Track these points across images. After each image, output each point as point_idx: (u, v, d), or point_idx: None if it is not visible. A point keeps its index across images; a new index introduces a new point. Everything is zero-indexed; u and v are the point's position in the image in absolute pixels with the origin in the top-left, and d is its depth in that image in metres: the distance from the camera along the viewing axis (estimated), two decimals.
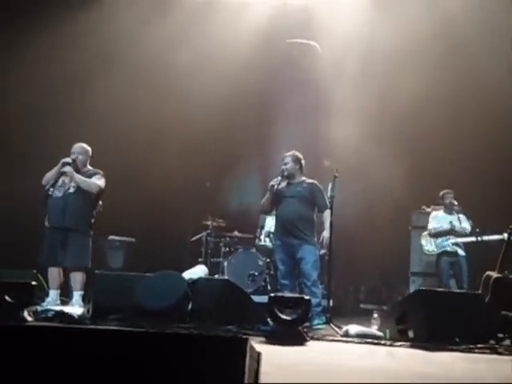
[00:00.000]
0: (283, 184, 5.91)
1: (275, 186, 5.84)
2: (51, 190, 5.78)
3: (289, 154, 6.01)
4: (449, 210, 7.10)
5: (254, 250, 7.62)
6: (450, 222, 6.99)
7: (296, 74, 8.28)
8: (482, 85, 7.23)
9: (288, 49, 8.27)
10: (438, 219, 7.12)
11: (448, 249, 6.94)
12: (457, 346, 4.16)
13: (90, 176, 5.92)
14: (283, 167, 5.94)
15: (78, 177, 5.83)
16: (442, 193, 7.14)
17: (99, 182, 5.93)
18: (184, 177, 8.27)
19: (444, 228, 7.01)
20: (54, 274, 5.74)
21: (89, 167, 6.03)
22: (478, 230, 6.80)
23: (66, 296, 6.11)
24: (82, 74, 7.78)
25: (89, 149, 6.08)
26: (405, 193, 7.67)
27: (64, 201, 5.78)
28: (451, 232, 6.96)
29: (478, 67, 7.25)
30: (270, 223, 7.24)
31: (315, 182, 6.01)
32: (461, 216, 7.01)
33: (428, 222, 7.23)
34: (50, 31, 7.50)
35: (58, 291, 5.75)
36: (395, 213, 7.88)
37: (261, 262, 7.39)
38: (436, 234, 7.06)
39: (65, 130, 7.15)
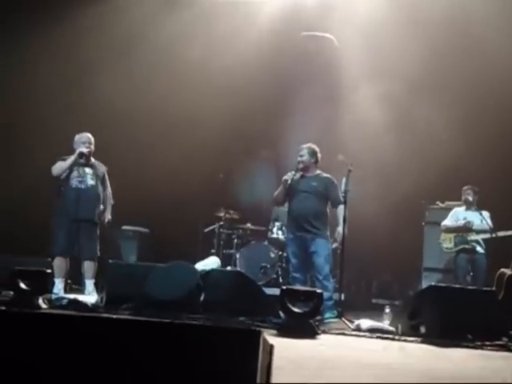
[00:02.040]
0: (297, 177, 5.89)
1: (288, 181, 5.82)
2: (69, 180, 5.84)
3: (305, 146, 5.98)
4: (468, 206, 7.00)
5: (266, 243, 7.63)
6: (465, 219, 6.91)
7: (311, 67, 8.23)
8: (506, 79, 7.13)
9: (304, 42, 8.22)
10: (456, 216, 7.05)
11: (466, 246, 6.86)
12: (469, 343, 4.15)
13: (99, 169, 6.05)
14: (299, 159, 5.91)
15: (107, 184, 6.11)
16: (463, 188, 7.03)
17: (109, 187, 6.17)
18: (197, 168, 8.27)
19: (458, 225, 6.94)
20: (62, 262, 5.80)
21: (92, 159, 6.08)
22: (493, 227, 6.69)
23: (75, 284, 6.20)
24: (90, 69, 7.81)
25: None
26: (419, 188, 7.62)
27: (84, 192, 5.85)
28: (467, 229, 6.88)
29: (501, 62, 7.16)
30: (283, 216, 7.24)
31: (330, 176, 5.99)
32: (483, 212, 6.79)
33: (441, 218, 7.18)
34: (58, 27, 7.54)
35: (63, 279, 5.81)
36: (409, 208, 7.84)
37: (273, 255, 7.40)
38: (448, 231, 7.00)
39: (77, 124, 7.17)
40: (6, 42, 7.65)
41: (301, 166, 5.90)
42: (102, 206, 6.05)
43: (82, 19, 7.70)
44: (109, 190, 6.18)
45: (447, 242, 7.06)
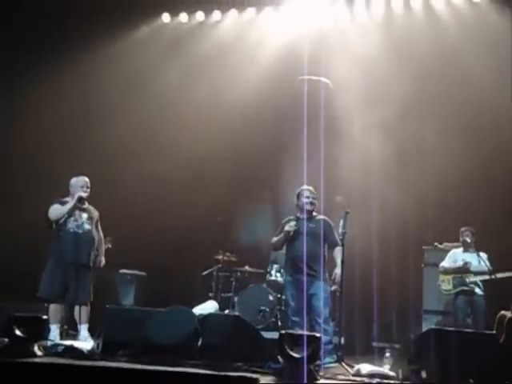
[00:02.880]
0: (297, 224, 5.86)
1: (291, 233, 5.81)
2: (66, 224, 5.84)
3: (308, 188, 6.01)
4: (466, 247, 7.02)
5: (264, 286, 7.57)
6: (463, 260, 6.91)
7: (307, 111, 8.36)
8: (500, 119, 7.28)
9: (300, 85, 8.37)
10: (454, 257, 7.05)
11: (465, 288, 6.84)
12: None
13: (93, 214, 6.11)
14: (308, 200, 5.92)
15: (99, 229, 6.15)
16: (461, 230, 7.06)
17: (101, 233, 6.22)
18: (195, 211, 8.29)
19: (456, 266, 6.93)
20: (57, 308, 5.78)
21: (86, 203, 6.11)
22: (491, 268, 6.68)
23: (71, 329, 6.13)
24: (97, 111, 7.96)
25: None
26: (417, 230, 7.63)
27: (82, 236, 5.88)
28: (465, 270, 6.87)
29: (495, 101, 7.33)
30: (282, 258, 7.21)
31: (326, 218, 6.01)
32: (480, 254, 6.79)
33: (440, 259, 7.14)
34: (66, 70, 7.72)
35: (59, 325, 5.76)
36: (407, 249, 7.83)
37: (272, 298, 7.33)
38: (446, 272, 6.99)
39: (77, 166, 7.24)
40: (12, 83, 7.79)
41: (310, 207, 5.92)
42: (95, 251, 6.05)
43: (90, 63, 7.91)
44: (101, 234, 6.22)
45: (446, 284, 7.02)
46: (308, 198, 5.93)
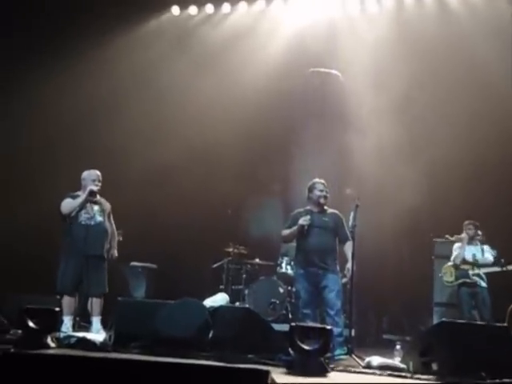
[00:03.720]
0: (310, 218, 5.84)
1: (305, 227, 5.79)
2: (78, 217, 5.88)
3: (321, 181, 5.98)
4: (471, 240, 7.02)
5: (275, 278, 7.58)
6: (471, 253, 6.93)
7: (318, 103, 8.34)
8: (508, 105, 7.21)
9: (310, 77, 8.35)
10: (458, 250, 7.06)
11: (467, 280, 6.87)
12: (482, 380, 4.07)
13: (105, 206, 6.12)
14: (321, 193, 5.89)
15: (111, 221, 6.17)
16: (464, 223, 7.07)
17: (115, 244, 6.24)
18: (205, 204, 8.31)
19: (465, 259, 6.94)
20: (71, 300, 5.82)
21: (98, 195, 6.14)
22: (503, 260, 6.69)
23: (84, 321, 6.18)
24: (109, 103, 7.97)
25: None
26: (428, 221, 7.60)
27: (94, 228, 5.90)
28: (472, 263, 6.89)
29: (503, 88, 7.26)
30: (292, 251, 7.21)
31: (337, 212, 5.99)
32: (484, 247, 6.92)
33: (451, 251, 7.16)
34: (78, 64, 7.75)
35: (72, 317, 5.80)
36: (418, 241, 7.80)
37: (282, 290, 7.34)
38: (457, 265, 6.99)
39: (88, 158, 7.28)
40: (26, 77, 7.83)
41: (323, 201, 5.89)
42: (108, 242, 6.09)
43: (102, 56, 7.94)
44: (114, 227, 6.24)
45: (448, 276, 7.06)
46: (322, 191, 5.91)
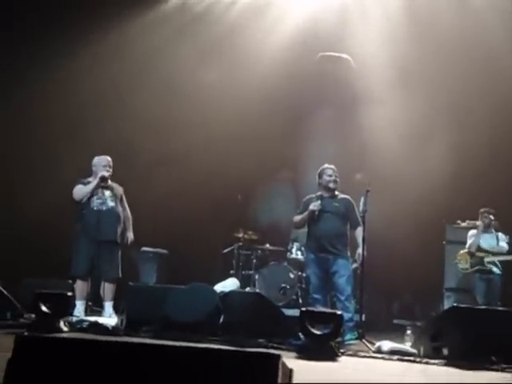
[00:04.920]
0: (320, 203, 5.83)
1: (316, 212, 5.78)
2: (90, 202, 5.91)
3: (330, 166, 5.96)
4: (487, 228, 7.03)
5: (285, 263, 7.60)
6: (486, 241, 6.95)
7: (328, 87, 8.28)
8: None
9: (321, 62, 8.27)
10: (473, 237, 7.06)
11: (482, 267, 6.92)
12: (493, 365, 4.07)
13: (117, 191, 6.13)
14: (331, 178, 5.88)
15: (125, 205, 6.19)
16: (480, 211, 7.06)
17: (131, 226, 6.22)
18: (216, 190, 8.32)
19: (480, 246, 6.96)
20: (83, 285, 5.86)
21: (109, 180, 6.14)
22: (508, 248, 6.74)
23: (96, 306, 6.24)
24: (114, 92, 7.94)
25: None
26: (439, 206, 7.56)
27: (106, 213, 5.92)
28: (487, 251, 6.92)
29: None
30: (302, 236, 7.21)
31: (348, 197, 5.98)
32: (499, 235, 6.96)
33: (462, 237, 7.19)
34: (79, 55, 7.72)
35: (85, 302, 5.85)
36: (429, 227, 7.76)
37: (292, 276, 7.36)
38: (472, 253, 7.00)
39: (98, 146, 7.29)
40: (22, 75, 7.82)
41: (334, 185, 5.88)
42: (122, 227, 6.11)
43: (104, 46, 7.88)
44: (128, 210, 6.24)
45: (463, 263, 7.10)
46: (331, 176, 5.89)
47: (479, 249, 6.97)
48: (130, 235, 6.17)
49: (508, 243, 6.91)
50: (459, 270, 7.19)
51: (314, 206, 5.79)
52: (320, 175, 5.99)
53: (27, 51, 7.83)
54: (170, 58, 8.13)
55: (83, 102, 8.02)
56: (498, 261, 6.88)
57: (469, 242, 7.07)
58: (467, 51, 7.46)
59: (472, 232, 7.12)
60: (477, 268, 6.95)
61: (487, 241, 6.97)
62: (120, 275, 5.99)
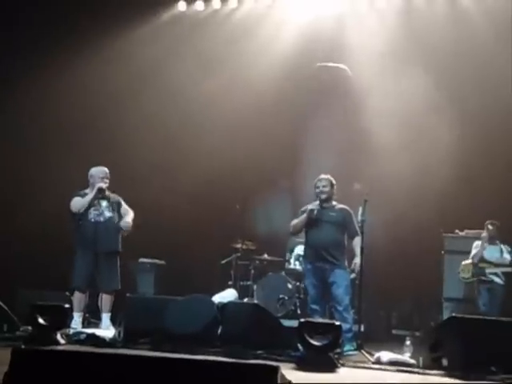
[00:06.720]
0: (318, 208, 5.87)
1: (314, 211, 5.81)
2: (87, 214, 5.89)
3: (325, 177, 5.97)
4: (491, 239, 7.07)
5: (283, 274, 7.57)
6: (491, 253, 7.01)
7: (326, 98, 8.31)
8: None
9: (318, 72, 8.31)
10: (480, 249, 7.10)
11: (483, 278, 6.97)
12: (493, 376, 4.05)
13: (114, 200, 6.08)
14: (322, 189, 5.90)
15: (125, 208, 6.10)
16: (486, 222, 7.10)
17: (130, 216, 6.07)
18: (214, 199, 8.32)
19: (483, 258, 7.00)
20: (81, 297, 5.84)
21: (106, 191, 6.11)
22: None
23: (93, 318, 6.20)
24: (111, 100, 7.96)
25: None
26: (438, 216, 7.56)
27: (104, 224, 5.91)
28: (490, 262, 6.98)
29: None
30: (300, 246, 7.20)
31: (347, 207, 5.98)
32: (504, 247, 7.03)
33: (461, 247, 7.24)
34: (83, 60, 7.74)
35: (82, 314, 5.83)
36: (427, 236, 7.76)
37: (290, 286, 7.33)
38: (475, 263, 7.04)
39: (94, 154, 7.28)
40: (27, 78, 7.83)
41: (324, 196, 5.89)
42: (120, 237, 6.06)
43: (108, 52, 7.92)
44: (130, 211, 6.14)
45: (465, 273, 7.14)
46: (318, 187, 5.92)
47: (482, 260, 7.02)
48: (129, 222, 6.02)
49: (511, 252, 6.95)
50: (460, 279, 7.19)
51: (313, 205, 5.81)
52: (314, 186, 6.02)
53: (20, 61, 7.84)
54: (169, 66, 8.17)
55: (87, 109, 8.05)
56: (501, 272, 6.93)
57: (473, 252, 7.11)
58: (462, 57, 7.51)
59: (477, 243, 7.17)
60: (477, 278, 6.99)
61: (491, 252, 7.02)
62: (119, 287, 5.96)
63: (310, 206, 5.86)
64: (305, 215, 5.87)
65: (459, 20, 7.71)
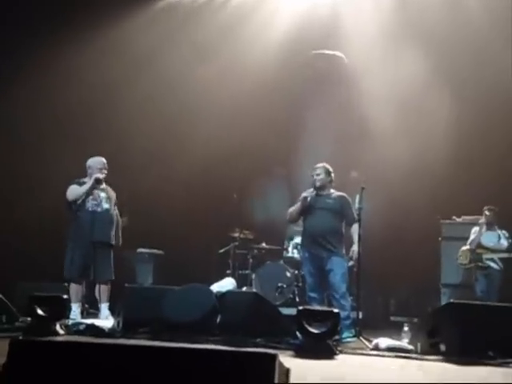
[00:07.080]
0: (313, 195, 5.89)
1: (308, 198, 5.82)
2: (85, 204, 5.88)
3: (320, 165, 5.98)
4: (489, 225, 7.10)
5: (281, 262, 7.59)
6: (488, 238, 7.06)
7: (321, 85, 8.28)
8: None
9: (313, 60, 8.28)
10: (477, 235, 7.15)
11: (480, 263, 7.02)
12: (490, 360, 4.07)
13: (111, 193, 6.13)
14: (316, 177, 5.91)
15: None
16: (483, 208, 7.13)
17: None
18: (211, 189, 8.31)
19: (480, 243, 7.05)
20: (78, 287, 5.85)
21: (103, 183, 6.12)
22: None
23: (92, 308, 6.22)
24: (105, 89, 7.91)
25: None
26: (435, 202, 7.58)
27: (101, 215, 5.91)
28: (487, 248, 7.03)
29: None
30: (298, 235, 7.21)
31: (344, 194, 5.98)
32: (501, 232, 7.07)
33: (458, 233, 7.33)
34: (79, 49, 7.67)
35: (80, 304, 5.84)
36: (424, 223, 7.78)
37: (289, 274, 7.35)
38: (473, 249, 7.08)
39: (92, 144, 7.25)
40: (22, 71, 7.77)
41: (318, 184, 5.89)
42: (115, 229, 6.10)
43: (102, 41, 7.85)
44: (119, 216, 6.26)
45: (463, 259, 7.19)
46: (318, 175, 5.93)
47: (479, 246, 7.06)
48: (120, 240, 6.23)
49: (509, 242, 6.99)
50: (458, 264, 7.24)
51: (307, 192, 5.82)
52: (311, 174, 6.02)
53: (14, 54, 7.78)
54: (164, 54, 8.11)
55: (82, 99, 7.99)
56: (499, 258, 6.96)
57: (470, 238, 7.13)
58: (458, 42, 7.47)
59: (475, 229, 7.19)
60: (475, 264, 7.04)
61: (489, 238, 7.07)
62: (113, 277, 5.97)
63: (304, 194, 5.87)
64: (299, 203, 5.88)
65: (454, 4, 7.67)
